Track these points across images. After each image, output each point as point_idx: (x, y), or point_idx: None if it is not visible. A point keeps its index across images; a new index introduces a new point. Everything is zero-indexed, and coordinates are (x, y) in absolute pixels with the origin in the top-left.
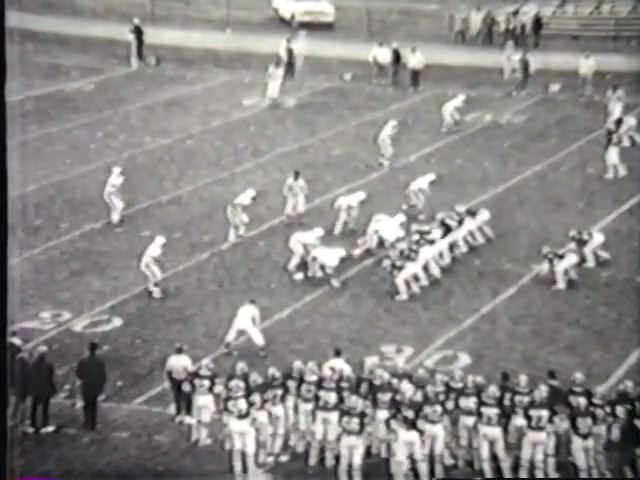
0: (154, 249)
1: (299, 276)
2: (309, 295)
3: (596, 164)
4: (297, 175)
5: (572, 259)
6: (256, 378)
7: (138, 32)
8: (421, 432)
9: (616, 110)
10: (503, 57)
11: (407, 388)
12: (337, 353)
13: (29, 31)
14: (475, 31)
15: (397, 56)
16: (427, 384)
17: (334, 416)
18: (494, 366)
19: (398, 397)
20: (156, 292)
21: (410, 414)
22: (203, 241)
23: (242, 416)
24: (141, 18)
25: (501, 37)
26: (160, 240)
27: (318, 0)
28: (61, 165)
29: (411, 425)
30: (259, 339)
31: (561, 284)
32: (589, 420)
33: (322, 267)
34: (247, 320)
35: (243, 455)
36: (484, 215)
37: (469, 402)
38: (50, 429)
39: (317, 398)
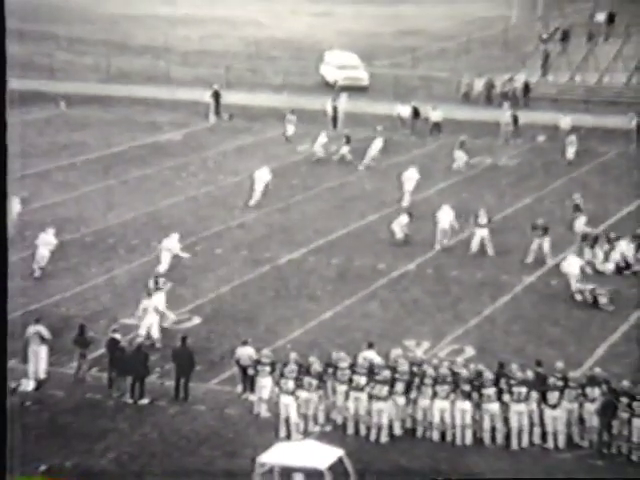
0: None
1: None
2: (347, 300)
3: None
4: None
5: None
6: (317, 367)
7: (216, 95)
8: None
9: (570, 151)
10: (501, 114)
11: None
12: (369, 346)
13: (134, 97)
14: (477, 93)
15: (416, 112)
16: (439, 369)
17: (364, 395)
18: (493, 357)
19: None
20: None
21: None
22: (264, 257)
23: (289, 393)
24: (218, 84)
25: (498, 98)
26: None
27: (356, 68)
28: (154, 198)
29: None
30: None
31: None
32: (556, 393)
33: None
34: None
35: (288, 424)
36: None
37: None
38: (145, 401)
39: (351, 381)
